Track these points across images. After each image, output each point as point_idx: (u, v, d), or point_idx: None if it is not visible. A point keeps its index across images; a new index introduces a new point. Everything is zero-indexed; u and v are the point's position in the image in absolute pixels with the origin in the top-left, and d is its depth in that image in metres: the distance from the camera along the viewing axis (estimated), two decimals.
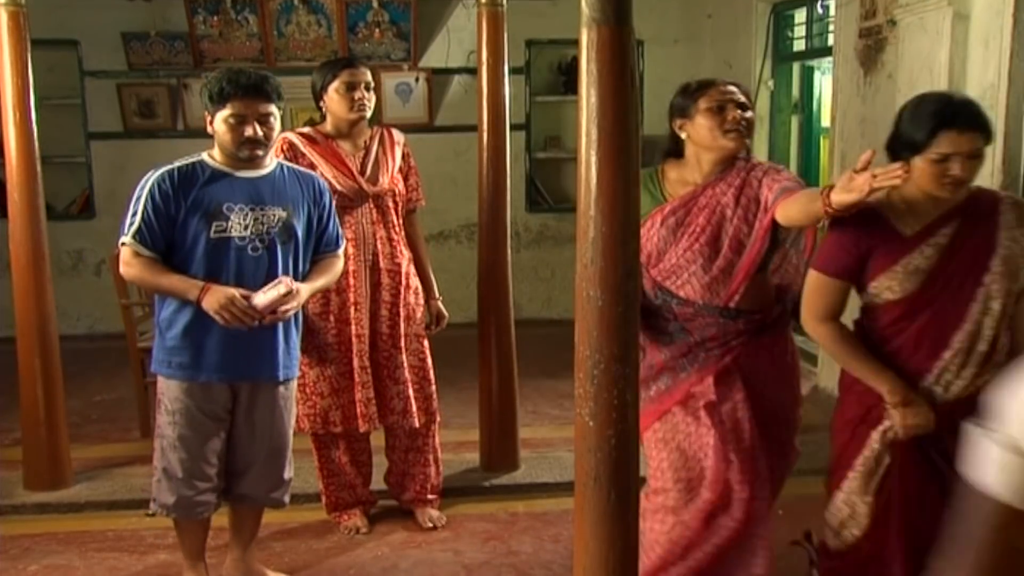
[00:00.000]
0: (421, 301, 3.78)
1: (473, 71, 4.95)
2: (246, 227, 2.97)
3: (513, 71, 4.77)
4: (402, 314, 3.66)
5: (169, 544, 3.59)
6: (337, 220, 3.30)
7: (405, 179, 3.74)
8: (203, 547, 3.23)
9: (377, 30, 6.83)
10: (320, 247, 3.21)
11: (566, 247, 7.03)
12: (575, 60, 7.01)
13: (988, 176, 3.92)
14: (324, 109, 3.62)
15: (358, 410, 3.59)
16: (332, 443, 3.71)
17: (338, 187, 3.49)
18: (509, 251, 4.23)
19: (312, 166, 3.50)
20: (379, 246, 3.61)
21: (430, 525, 3.78)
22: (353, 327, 3.57)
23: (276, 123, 3.02)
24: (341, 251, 3.30)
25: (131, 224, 2.93)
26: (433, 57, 7.06)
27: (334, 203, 3.48)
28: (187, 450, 3.02)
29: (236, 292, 2.89)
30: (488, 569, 3.50)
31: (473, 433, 4.30)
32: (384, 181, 3.60)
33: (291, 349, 3.15)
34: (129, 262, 2.96)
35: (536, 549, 3.64)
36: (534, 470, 4.29)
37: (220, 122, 2.96)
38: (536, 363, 5.49)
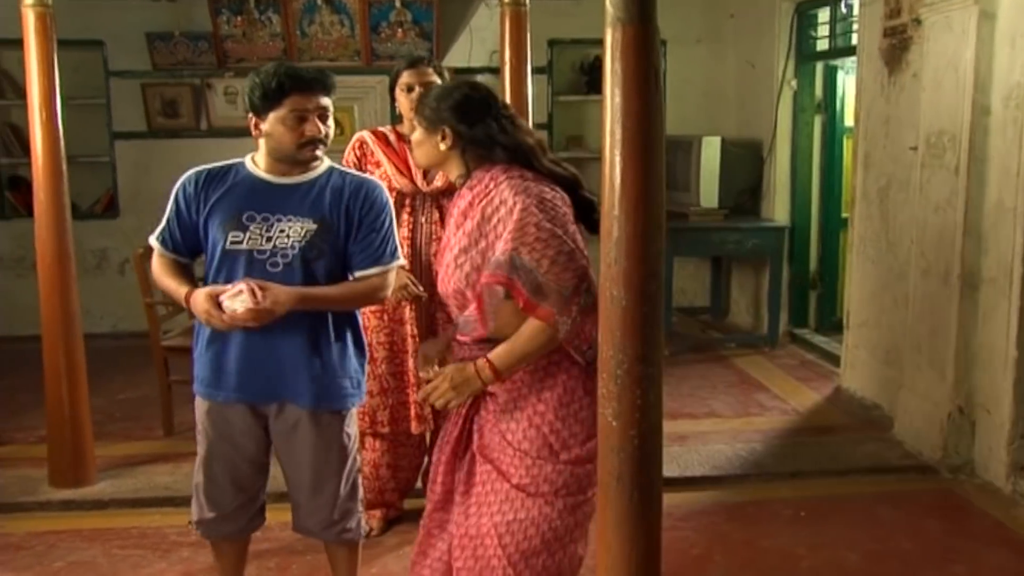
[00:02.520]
0: None
1: (496, 70, 4.97)
2: (269, 239, 2.61)
3: (536, 70, 4.77)
4: None
5: (192, 542, 3.60)
6: (395, 237, 2.78)
7: None
8: (234, 572, 3.03)
9: (400, 30, 6.84)
10: (358, 262, 2.71)
11: (590, 246, 7.00)
12: (597, 60, 7.01)
13: (1013, 176, 3.89)
14: (398, 108, 3.63)
15: (412, 412, 3.55)
16: (375, 442, 3.66)
17: (395, 184, 3.51)
18: None
19: (378, 163, 3.56)
20: (437, 247, 3.55)
21: None
22: (407, 327, 3.53)
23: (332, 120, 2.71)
24: (387, 270, 2.75)
25: (161, 223, 2.75)
26: (456, 56, 7.06)
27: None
28: (207, 473, 2.82)
29: (209, 295, 2.55)
30: None
31: None
32: (439, 181, 3.55)
33: (331, 375, 2.72)
34: (154, 260, 2.78)
35: None
36: None
37: (275, 123, 2.60)
38: None
